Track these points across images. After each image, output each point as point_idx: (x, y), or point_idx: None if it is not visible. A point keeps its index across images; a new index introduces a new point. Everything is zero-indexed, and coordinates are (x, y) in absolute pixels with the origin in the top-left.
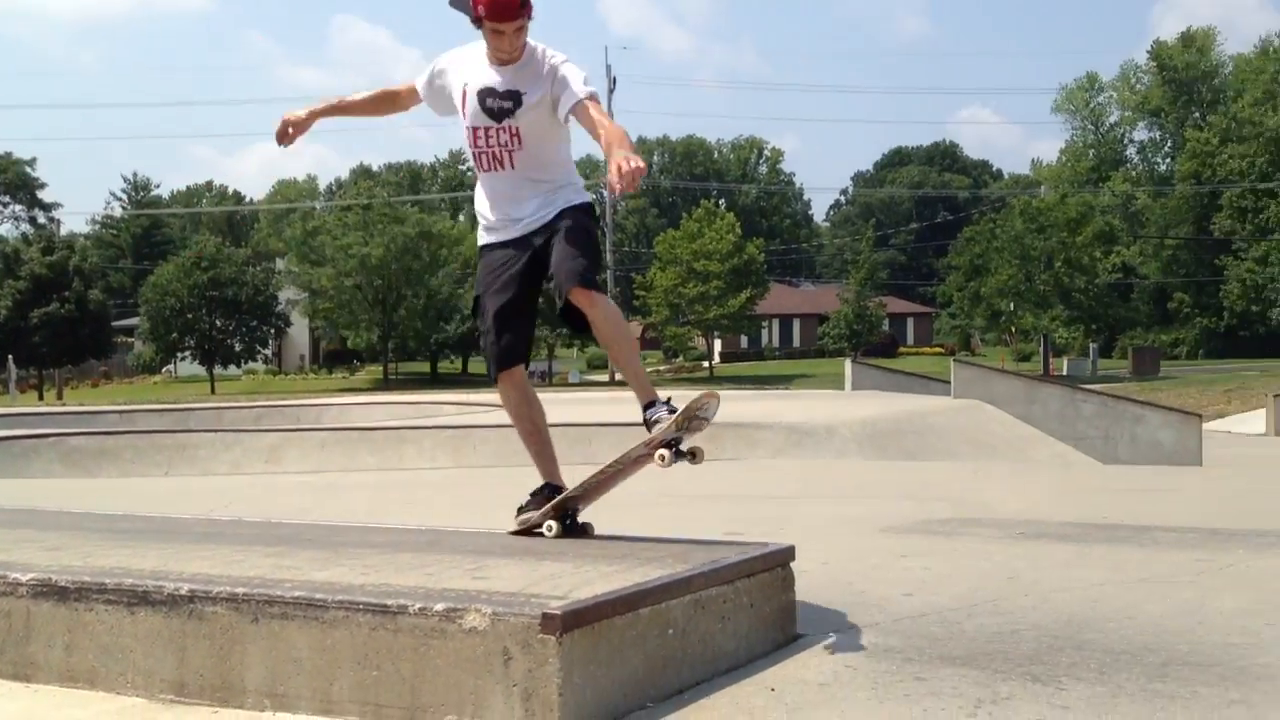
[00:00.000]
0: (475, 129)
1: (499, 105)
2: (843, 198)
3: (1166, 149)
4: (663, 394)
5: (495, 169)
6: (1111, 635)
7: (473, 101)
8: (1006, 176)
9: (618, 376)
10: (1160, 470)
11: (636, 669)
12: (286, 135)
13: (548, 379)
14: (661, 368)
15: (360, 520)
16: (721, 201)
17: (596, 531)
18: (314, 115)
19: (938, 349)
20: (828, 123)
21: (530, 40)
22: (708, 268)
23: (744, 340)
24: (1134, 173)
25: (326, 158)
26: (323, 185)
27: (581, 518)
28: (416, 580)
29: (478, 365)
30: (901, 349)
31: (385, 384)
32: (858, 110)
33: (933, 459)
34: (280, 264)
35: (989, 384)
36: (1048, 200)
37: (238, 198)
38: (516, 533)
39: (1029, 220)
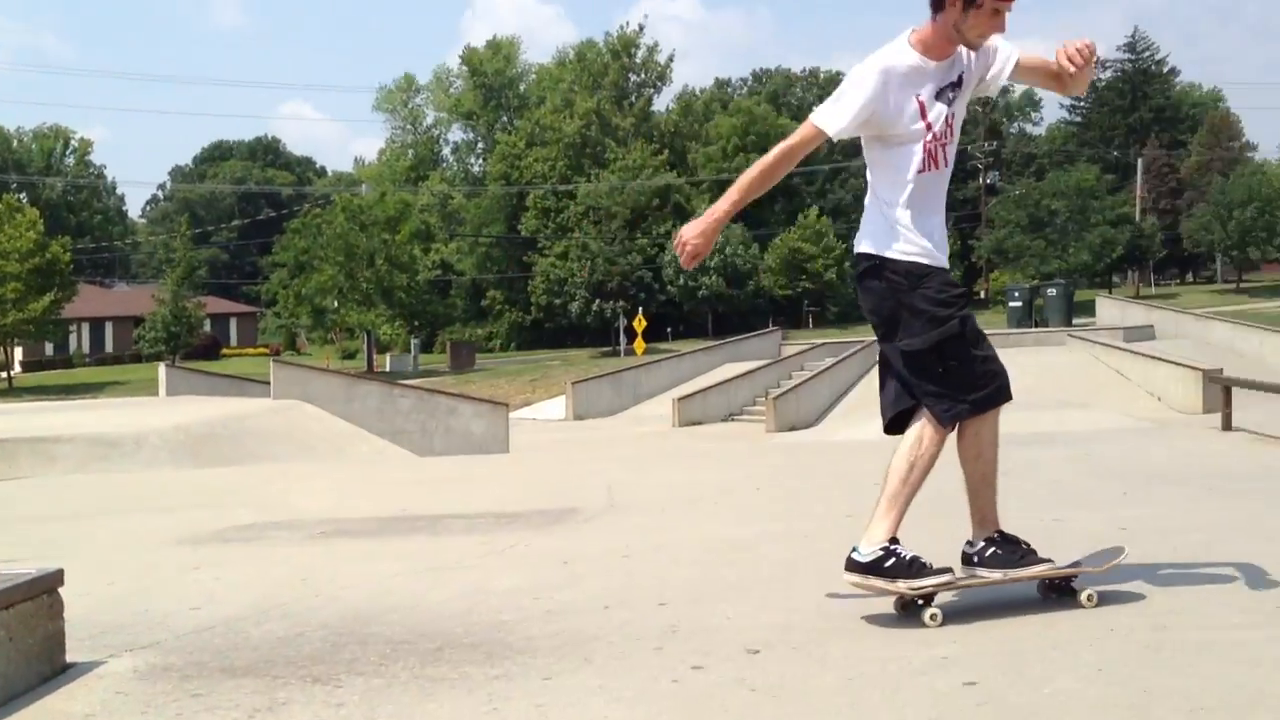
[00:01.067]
0: (936, 131)
1: (951, 95)
2: (160, 193)
3: (479, 150)
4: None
5: (931, 168)
6: (395, 626)
7: (936, 106)
8: (330, 174)
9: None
10: (470, 459)
11: None
12: (697, 258)
13: None
14: None
15: None
16: (23, 195)
17: None
18: (720, 223)
19: (263, 349)
20: (142, 113)
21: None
22: (5, 269)
23: (49, 347)
24: (450, 173)
25: None
26: None
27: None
28: None
29: None
30: (225, 350)
31: None
32: (175, 102)
33: (251, 462)
34: None
35: (308, 383)
36: (369, 198)
37: None
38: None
39: (351, 217)
